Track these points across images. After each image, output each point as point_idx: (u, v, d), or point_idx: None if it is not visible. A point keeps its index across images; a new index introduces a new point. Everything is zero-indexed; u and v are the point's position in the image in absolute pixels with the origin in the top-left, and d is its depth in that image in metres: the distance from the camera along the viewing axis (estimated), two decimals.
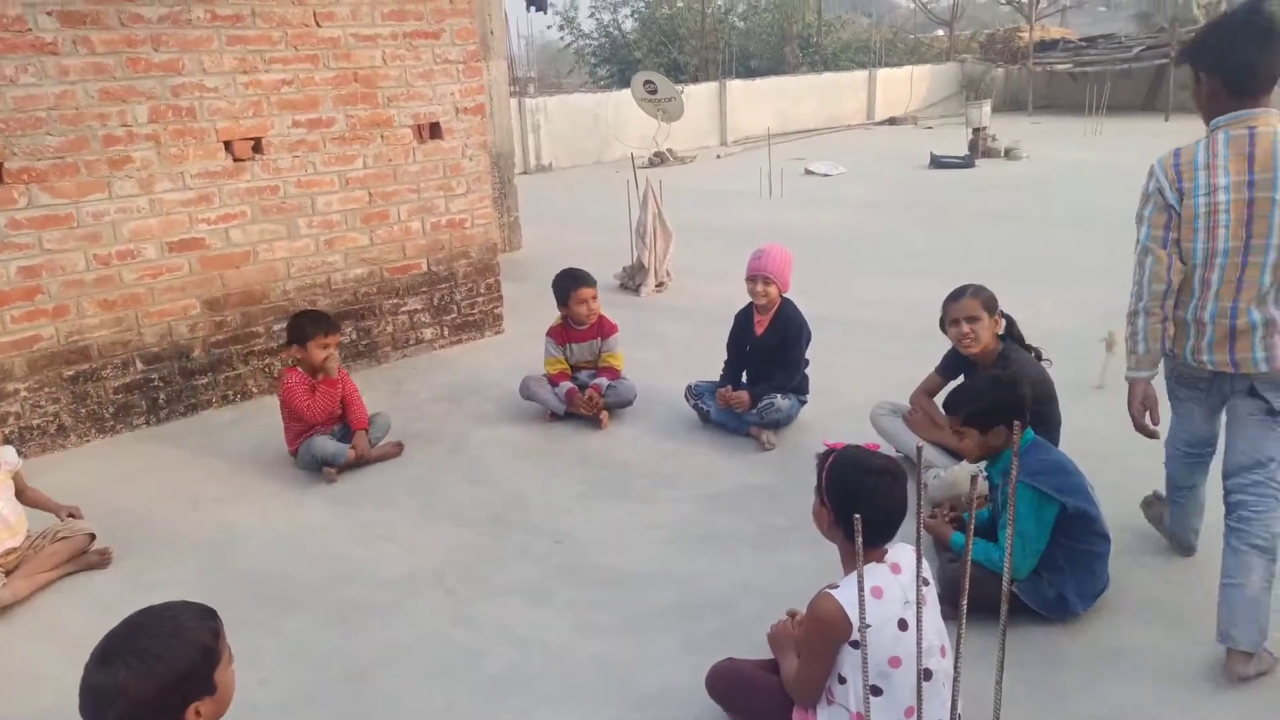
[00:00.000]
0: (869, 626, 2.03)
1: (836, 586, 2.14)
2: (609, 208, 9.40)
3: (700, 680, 2.56)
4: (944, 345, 3.92)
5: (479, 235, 6.06)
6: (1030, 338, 3.88)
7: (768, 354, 4.48)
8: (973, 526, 1.76)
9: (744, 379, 4.62)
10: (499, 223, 8.42)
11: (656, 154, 15.37)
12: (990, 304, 3.61)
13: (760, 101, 18.99)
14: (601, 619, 3.09)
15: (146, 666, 1.68)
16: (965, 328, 3.60)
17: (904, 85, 21.69)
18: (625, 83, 17.70)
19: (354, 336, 5.53)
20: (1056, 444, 3.37)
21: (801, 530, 3.50)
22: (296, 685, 2.83)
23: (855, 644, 2.05)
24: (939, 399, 3.78)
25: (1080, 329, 5.43)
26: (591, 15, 25.66)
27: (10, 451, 3.54)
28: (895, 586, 2.12)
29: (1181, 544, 3.27)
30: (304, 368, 4.25)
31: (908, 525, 2.36)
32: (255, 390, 5.22)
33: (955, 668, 1.83)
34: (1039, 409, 3.20)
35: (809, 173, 13.48)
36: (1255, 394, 2.73)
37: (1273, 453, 2.72)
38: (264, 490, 4.16)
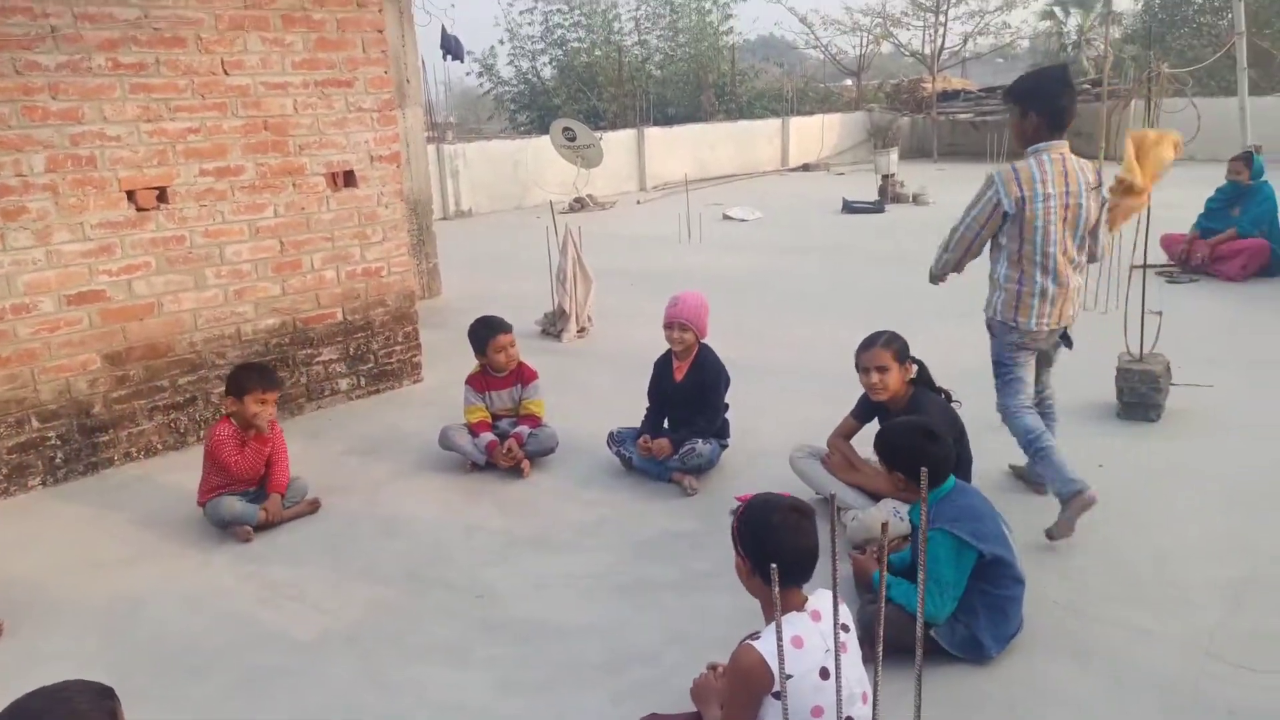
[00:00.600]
0: (790, 677, 2.04)
1: (758, 636, 2.14)
2: (529, 253, 9.39)
3: None
4: (856, 385, 4.00)
5: (396, 283, 5.98)
6: (941, 376, 4.01)
7: (687, 400, 4.51)
8: (884, 569, 1.78)
9: (665, 425, 4.64)
10: (417, 270, 8.33)
11: (576, 200, 15.46)
12: (900, 353, 3.72)
13: (678, 148, 19.30)
14: (524, 676, 3.02)
15: None
16: (875, 377, 3.71)
17: (816, 133, 22.33)
18: (545, 129, 17.82)
19: (281, 391, 5.37)
20: (969, 481, 3.46)
21: (725, 575, 3.49)
22: None
23: (778, 695, 2.05)
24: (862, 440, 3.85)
25: (987, 367, 5.60)
26: (510, 62, 25.86)
27: None
28: (816, 635, 2.12)
29: (1072, 488, 3.58)
30: (237, 420, 4.11)
31: (826, 570, 2.38)
32: (160, 446, 5.02)
33: (874, 714, 1.84)
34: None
35: (727, 218, 13.72)
36: (1064, 337, 3.91)
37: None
38: (169, 550, 3.98)
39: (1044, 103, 3.62)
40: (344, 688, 3.00)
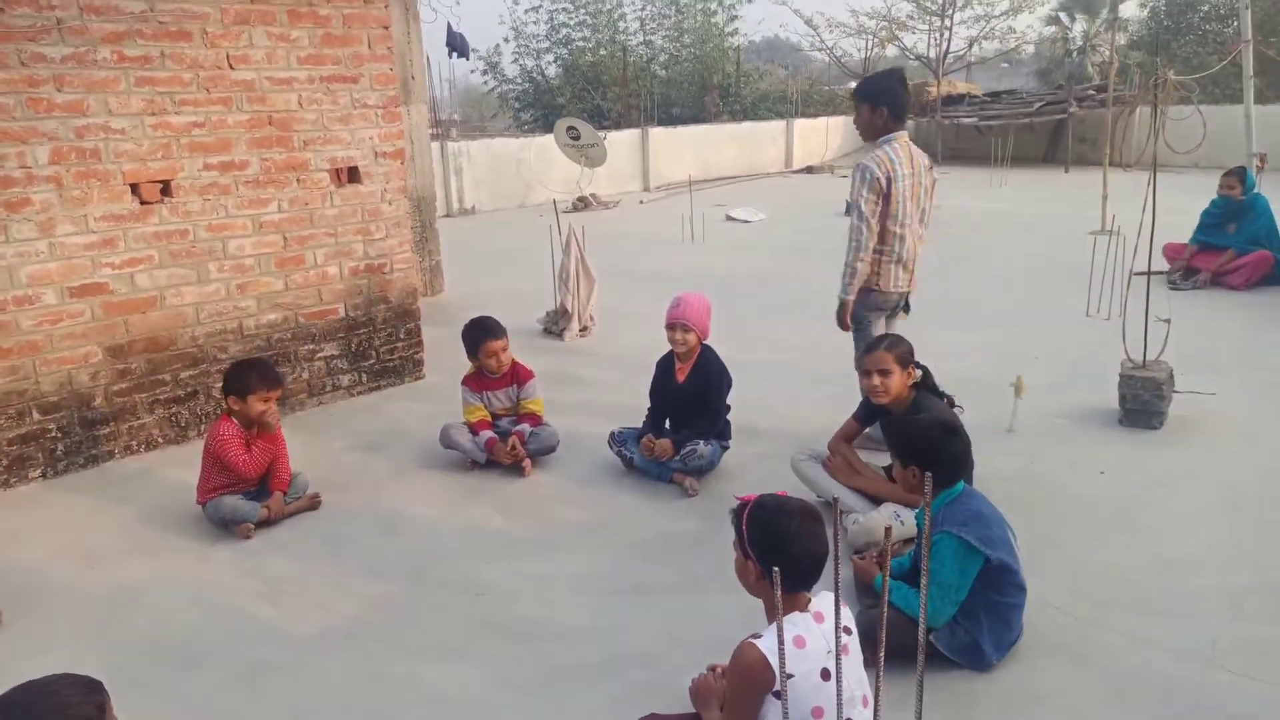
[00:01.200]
0: (791, 677, 2.03)
1: (760, 636, 2.14)
2: (532, 252, 9.38)
3: None
4: (858, 388, 4.00)
5: (399, 280, 5.97)
6: (942, 381, 4.00)
7: (689, 401, 4.50)
8: (888, 572, 1.77)
9: (667, 425, 4.63)
10: (420, 267, 8.32)
11: (580, 199, 15.45)
12: (904, 358, 3.71)
13: (682, 148, 19.30)
14: (523, 675, 3.02)
15: None
16: (876, 380, 3.71)
17: (820, 135, 22.33)
18: (549, 127, 17.81)
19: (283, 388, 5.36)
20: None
21: (725, 577, 3.47)
22: None
23: (778, 694, 2.04)
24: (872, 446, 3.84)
25: (987, 372, 5.61)
26: (515, 61, 25.86)
27: None
28: (818, 636, 2.12)
29: None
30: (239, 419, 4.09)
31: (828, 573, 2.37)
32: (161, 440, 5.01)
33: (875, 717, 1.83)
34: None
35: (730, 219, 13.71)
36: (904, 301, 4.57)
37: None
38: (168, 545, 3.97)
39: (890, 98, 4.33)
40: (342, 683, 3.00)
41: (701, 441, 4.34)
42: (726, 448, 4.52)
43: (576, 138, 15.32)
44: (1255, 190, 8.25)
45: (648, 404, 4.69)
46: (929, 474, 1.87)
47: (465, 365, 4.96)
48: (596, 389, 5.91)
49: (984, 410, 4.66)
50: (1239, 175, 8.28)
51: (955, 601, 2.84)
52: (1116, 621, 3.18)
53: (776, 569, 1.70)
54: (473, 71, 26.51)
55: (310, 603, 3.49)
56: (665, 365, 4.64)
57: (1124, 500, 4.06)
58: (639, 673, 3.00)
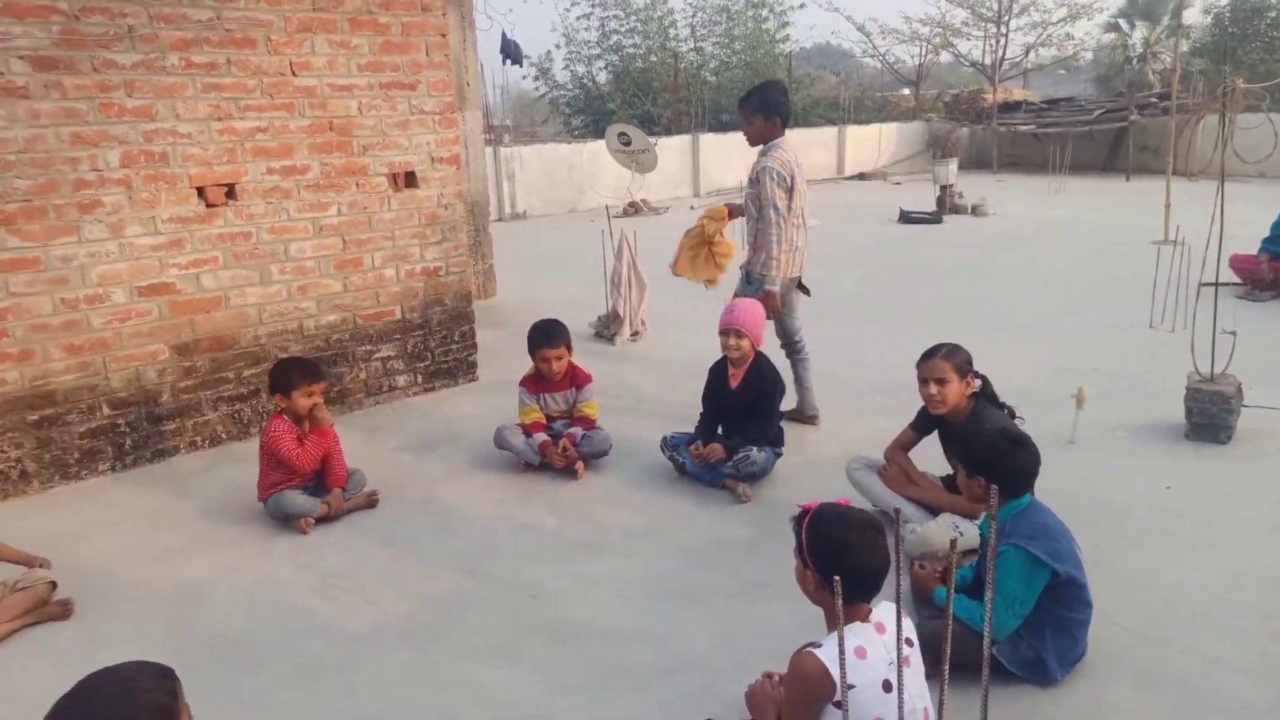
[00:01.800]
0: (853, 687, 2.01)
1: (819, 645, 2.11)
2: (583, 256, 9.43)
3: None
4: (915, 397, 3.95)
5: (454, 283, 6.04)
6: (1000, 392, 3.92)
7: (742, 407, 4.48)
8: (952, 585, 1.75)
9: (719, 431, 4.62)
10: (474, 270, 8.42)
11: (630, 204, 15.49)
12: (962, 367, 3.65)
13: (732, 154, 19.25)
14: (575, 678, 3.02)
15: None
16: (933, 388, 3.65)
17: (872, 142, 22.14)
18: (599, 133, 17.89)
19: (327, 382, 5.46)
20: None
21: (779, 585, 3.47)
22: None
23: (838, 704, 2.02)
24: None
25: (1047, 384, 5.51)
26: (566, 67, 26.03)
27: None
28: (880, 647, 2.09)
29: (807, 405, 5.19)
30: (290, 415, 4.18)
31: (888, 583, 2.35)
32: (224, 436, 5.13)
33: None
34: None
35: None
36: (801, 285, 5.15)
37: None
38: (229, 539, 4.06)
39: (780, 109, 4.94)
40: (398, 682, 3.03)
41: (754, 448, 4.31)
42: (779, 454, 4.49)
43: (628, 143, 15.33)
44: None
45: (700, 409, 4.68)
46: (994, 486, 1.84)
47: (516, 368, 5.00)
48: (648, 393, 5.91)
49: (1044, 422, 4.56)
50: None
51: (1020, 615, 2.79)
52: (1182, 639, 3.09)
53: (837, 578, 1.68)
54: (524, 77, 26.81)
55: (366, 600, 3.54)
56: (718, 371, 4.62)
57: (1190, 515, 3.95)
58: (691, 678, 2.99)
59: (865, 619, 2.15)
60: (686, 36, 25.95)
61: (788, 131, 5.04)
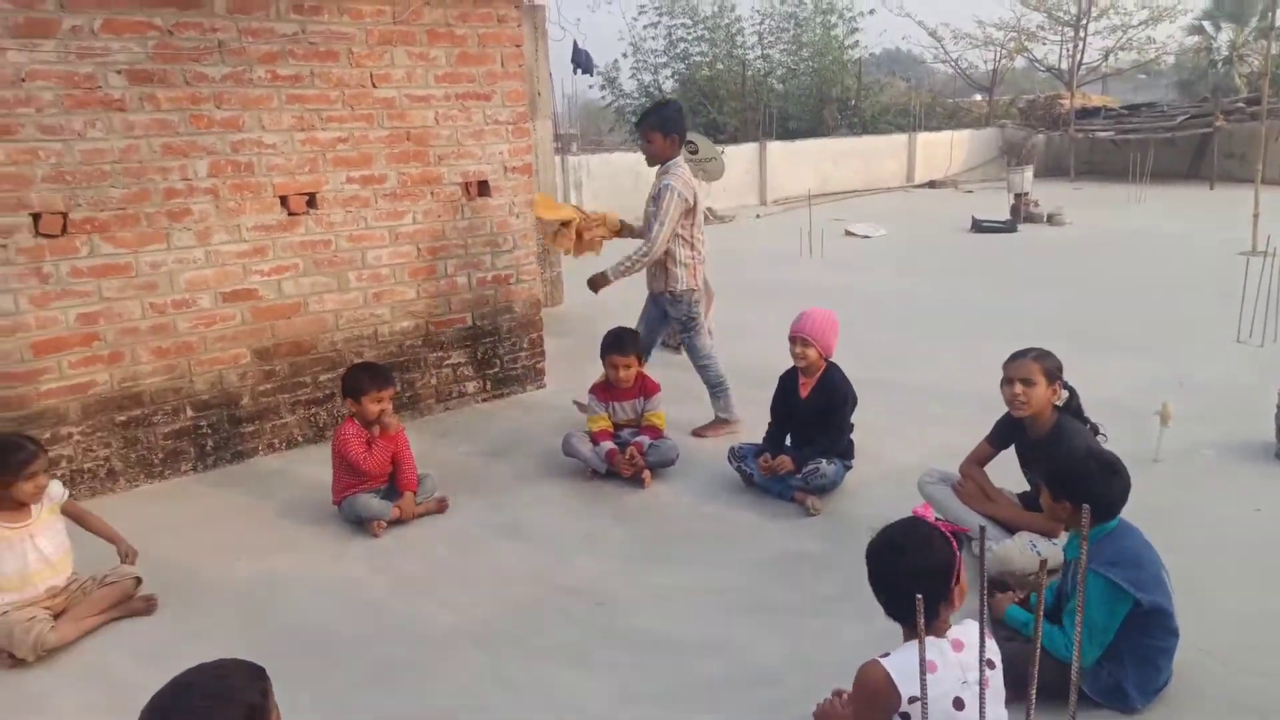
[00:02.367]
0: (917, 700, 1.97)
1: (887, 655, 2.09)
2: None
3: None
4: (991, 410, 3.86)
5: (523, 291, 6.12)
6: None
7: (812, 418, 4.44)
8: (1041, 609, 1.70)
9: (788, 442, 4.58)
10: (542, 278, 8.49)
11: None
12: (1051, 372, 3.55)
13: (800, 163, 19.15)
14: (645, 687, 3.02)
15: None
16: (1018, 388, 3.55)
17: (944, 149, 21.79)
18: None
19: (398, 388, 5.56)
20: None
21: (851, 600, 3.43)
22: None
23: (904, 716, 1.99)
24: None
25: (1131, 399, 5.34)
26: (633, 76, 26.18)
27: (56, 485, 3.54)
28: (953, 664, 2.05)
29: (733, 414, 5.36)
30: (360, 420, 4.27)
31: (970, 602, 2.30)
32: (301, 439, 5.26)
33: None
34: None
35: (849, 234, 13.51)
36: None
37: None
38: (306, 540, 4.16)
39: (678, 127, 5.08)
40: (470, 685, 3.06)
41: (824, 460, 4.27)
42: (849, 467, 4.44)
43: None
44: None
45: (767, 419, 4.65)
46: (1086, 506, 1.79)
47: (583, 376, 5.04)
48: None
49: (1127, 439, 4.41)
50: None
51: (1100, 644, 2.69)
52: (1270, 667, 2.96)
53: (919, 595, 1.66)
54: (590, 86, 26.95)
55: (439, 603, 3.59)
56: (788, 381, 4.59)
57: None
58: (763, 692, 2.96)
59: (941, 634, 2.11)
60: (754, 44, 25.91)
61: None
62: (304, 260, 5.13)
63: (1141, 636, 2.71)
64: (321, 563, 3.95)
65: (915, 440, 5.02)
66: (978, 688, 1.86)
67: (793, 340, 4.44)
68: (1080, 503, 2.56)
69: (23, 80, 4.17)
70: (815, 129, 23.50)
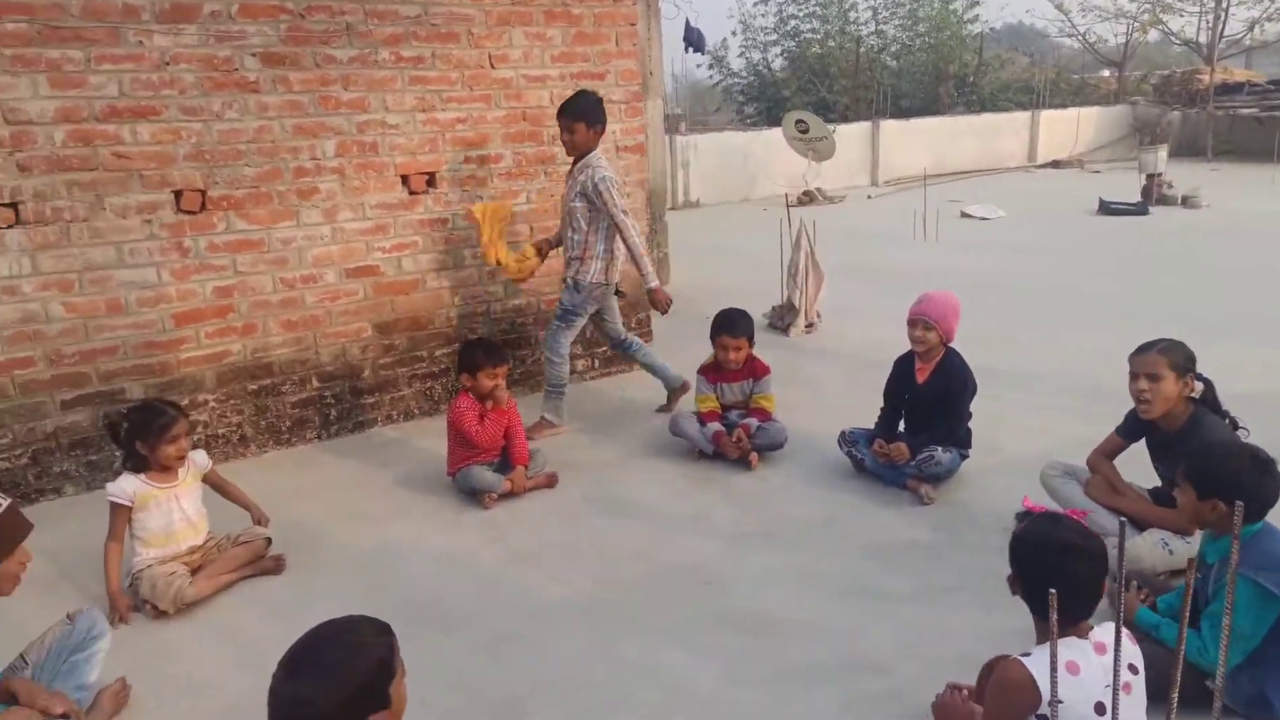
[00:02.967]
0: (1060, 703, 1.90)
1: (1029, 654, 2.01)
2: (756, 246, 9.36)
3: None
4: (1117, 401, 3.68)
5: (632, 270, 6.10)
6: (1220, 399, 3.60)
7: (928, 404, 4.32)
8: (1186, 614, 1.62)
9: (901, 428, 4.48)
10: (650, 258, 8.50)
11: (805, 193, 15.25)
12: (1179, 365, 3.34)
13: (915, 142, 18.60)
14: (752, 669, 3.01)
15: (331, 679, 1.75)
16: (1143, 384, 3.36)
17: (1069, 127, 20.81)
18: (772, 121, 17.68)
19: (511, 364, 5.67)
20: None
21: (966, 591, 3.34)
22: (453, 708, 2.88)
23: (1042, 718, 1.92)
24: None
25: (1272, 391, 5.01)
26: (741, 54, 25.87)
27: (201, 454, 3.77)
28: (1096, 668, 1.96)
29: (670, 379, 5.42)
30: (474, 394, 4.38)
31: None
32: (417, 412, 5.43)
33: None
34: None
35: (965, 215, 13.07)
36: (617, 290, 5.36)
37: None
38: (422, 509, 4.30)
39: (600, 116, 4.89)
40: (578, 657, 3.11)
41: (940, 448, 4.16)
42: (966, 456, 4.31)
43: (805, 131, 15.12)
44: None
45: (879, 404, 4.55)
46: (1239, 503, 1.68)
47: (690, 355, 5.03)
48: (824, 386, 5.81)
49: (1270, 434, 4.15)
50: None
51: (1244, 651, 2.53)
52: None
53: (1053, 591, 1.60)
54: (699, 66, 26.78)
55: (549, 576, 3.66)
56: (904, 365, 4.47)
57: None
58: (872, 681, 2.92)
59: (1084, 635, 2.02)
60: (867, 20, 25.24)
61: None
62: (423, 238, 5.27)
63: None
64: (437, 531, 4.08)
65: (1035, 430, 4.84)
66: (1120, 693, 1.78)
67: (912, 323, 4.31)
68: (1233, 501, 2.41)
69: (167, 64, 4.39)
70: (929, 106, 22.78)
